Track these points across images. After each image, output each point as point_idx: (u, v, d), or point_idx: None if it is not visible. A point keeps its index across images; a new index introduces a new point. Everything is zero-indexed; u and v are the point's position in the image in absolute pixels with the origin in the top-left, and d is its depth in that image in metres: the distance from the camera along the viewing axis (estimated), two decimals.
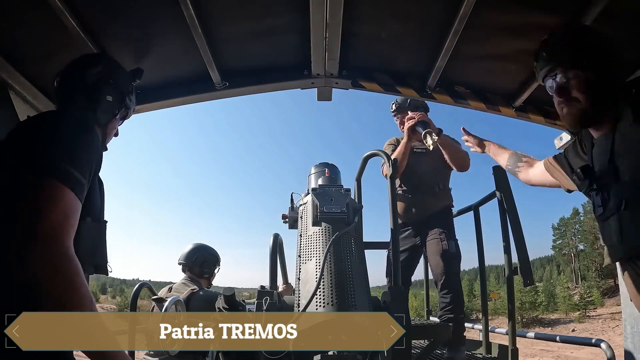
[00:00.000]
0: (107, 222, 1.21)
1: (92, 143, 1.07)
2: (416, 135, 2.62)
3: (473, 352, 2.94)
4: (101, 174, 1.20)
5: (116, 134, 1.47)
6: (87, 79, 1.31)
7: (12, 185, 0.90)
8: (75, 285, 0.84)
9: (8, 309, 0.84)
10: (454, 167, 2.86)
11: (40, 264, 0.81)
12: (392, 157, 2.55)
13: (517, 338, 2.62)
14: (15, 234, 0.83)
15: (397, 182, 2.91)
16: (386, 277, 2.83)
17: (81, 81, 1.30)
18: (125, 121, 1.58)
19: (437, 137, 2.42)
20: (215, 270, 3.03)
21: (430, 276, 3.84)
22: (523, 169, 1.82)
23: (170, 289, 2.84)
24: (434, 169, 2.93)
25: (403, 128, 2.80)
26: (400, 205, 2.83)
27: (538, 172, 1.71)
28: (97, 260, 1.14)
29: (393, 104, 3.12)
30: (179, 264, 2.95)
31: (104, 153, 1.30)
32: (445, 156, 2.78)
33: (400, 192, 2.92)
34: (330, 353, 1.09)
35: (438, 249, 2.66)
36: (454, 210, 3.13)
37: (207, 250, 3.01)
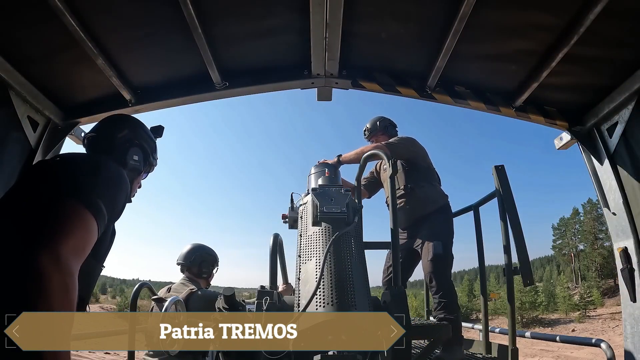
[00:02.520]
0: (104, 267, 1.30)
1: (123, 192, 1.19)
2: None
3: (473, 352, 2.94)
4: None
5: (140, 186, 1.58)
6: (115, 141, 1.43)
7: (46, 205, 0.99)
8: (70, 299, 0.91)
9: (8, 309, 0.89)
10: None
11: (56, 273, 0.88)
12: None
13: (517, 338, 2.62)
14: (40, 242, 0.90)
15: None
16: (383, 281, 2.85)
17: (110, 143, 1.42)
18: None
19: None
20: (214, 270, 3.03)
21: None
22: None
23: (169, 289, 2.84)
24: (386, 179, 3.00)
25: None
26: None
27: None
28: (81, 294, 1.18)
29: (365, 130, 3.29)
30: (178, 264, 2.95)
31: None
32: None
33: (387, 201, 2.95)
34: (330, 353, 1.08)
35: (425, 251, 2.68)
36: (454, 209, 3.12)
37: (206, 250, 3.01)
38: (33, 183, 1.13)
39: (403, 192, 2.87)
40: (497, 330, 3.75)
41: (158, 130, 1.66)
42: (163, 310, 1.43)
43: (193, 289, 2.67)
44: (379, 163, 3.19)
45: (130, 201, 1.47)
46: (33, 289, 0.86)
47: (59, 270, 0.89)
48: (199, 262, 2.91)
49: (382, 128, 3.20)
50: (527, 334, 3.42)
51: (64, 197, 1.01)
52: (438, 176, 3.02)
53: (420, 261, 2.81)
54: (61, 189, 1.05)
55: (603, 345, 2.58)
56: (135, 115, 1.87)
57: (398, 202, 2.85)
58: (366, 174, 3.24)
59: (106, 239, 1.20)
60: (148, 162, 1.54)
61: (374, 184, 3.24)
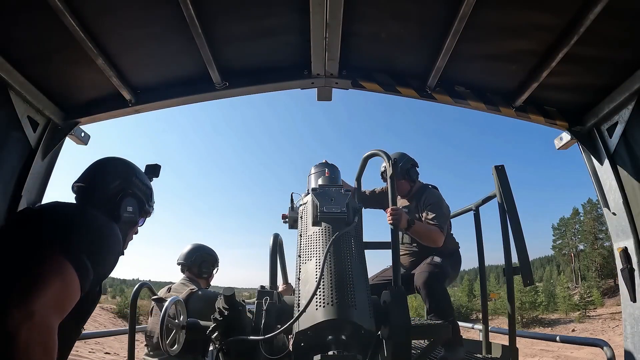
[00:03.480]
0: (83, 329, 1.24)
1: (113, 252, 1.12)
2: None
3: (473, 352, 2.94)
4: None
5: (136, 232, 1.49)
6: (107, 193, 1.32)
7: (23, 256, 0.94)
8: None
9: None
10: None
11: (30, 331, 0.82)
12: None
13: (517, 338, 2.62)
14: (12, 297, 0.84)
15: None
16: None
17: (102, 195, 1.32)
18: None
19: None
20: (214, 270, 3.04)
21: None
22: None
23: (169, 289, 2.84)
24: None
25: None
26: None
27: None
28: (70, 327, 1.13)
29: (383, 172, 2.93)
30: (178, 264, 2.95)
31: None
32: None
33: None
34: (330, 353, 1.08)
35: (422, 262, 2.66)
36: (454, 208, 3.13)
37: (206, 250, 3.01)
38: (14, 231, 1.05)
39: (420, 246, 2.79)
40: (498, 330, 3.75)
41: (154, 171, 1.55)
42: (163, 311, 1.43)
43: (193, 289, 2.67)
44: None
45: (123, 254, 1.38)
46: (6, 350, 0.80)
47: (33, 328, 0.82)
48: (200, 262, 2.92)
49: (404, 172, 2.89)
50: (528, 334, 3.42)
51: (43, 247, 0.95)
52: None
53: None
54: (42, 238, 0.98)
55: (603, 345, 2.58)
56: (135, 115, 1.87)
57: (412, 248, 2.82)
58: (377, 187, 3.10)
59: (89, 299, 1.12)
60: (144, 210, 1.44)
61: (373, 200, 3.04)
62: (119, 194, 1.33)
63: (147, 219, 1.52)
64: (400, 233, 2.68)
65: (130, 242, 1.48)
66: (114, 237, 1.13)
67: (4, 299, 0.84)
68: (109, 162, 1.42)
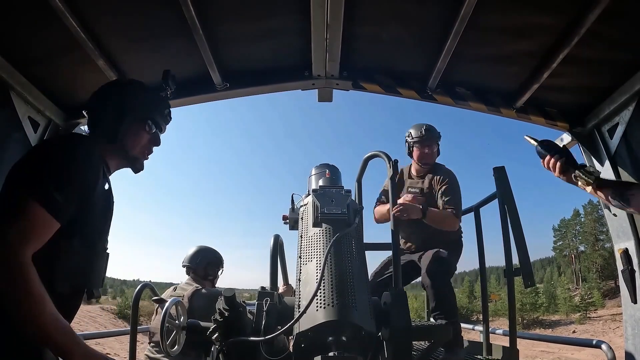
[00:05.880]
0: (108, 253, 1.25)
1: (83, 163, 1.10)
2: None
3: (473, 353, 2.94)
4: None
5: (156, 144, 1.39)
6: (90, 104, 1.31)
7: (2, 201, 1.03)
8: (27, 290, 0.91)
9: None
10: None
11: None
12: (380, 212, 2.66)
13: (517, 339, 2.62)
14: None
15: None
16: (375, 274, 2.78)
17: (104, 121, 1.28)
18: None
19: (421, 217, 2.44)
20: (219, 272, 3.03)
21: None
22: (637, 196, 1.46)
23: (175, 289, 2.86)
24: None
25: (420, 157, 2.77)
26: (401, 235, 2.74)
27: None
28: (82, 286, 1.16)
29: (423, 128, 2.79)
30: (183, 266, 2.95)
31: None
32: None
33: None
34: (331, 354, 1.08)
35: (426, 256, 2.62)
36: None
37: (211, 252, 3.00)
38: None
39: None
40: (498, 331, 3.75)
41: (165, 78, 1.45)
42: (163, 311, 1.43)
43: (198, 287, 2.68)
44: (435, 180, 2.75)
45: (142, 166, 1.36)
46: None
47: (4, 269, 0.90)
48: (205, 264, 2.91)
49: (438, 138, 2.83)
50: (528, 335, 3.41)
51: (11, 192, 1.03)
52: None
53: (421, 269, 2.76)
54: (13, 185, 1.05)
55: (604, 346, 2.57)
56: None
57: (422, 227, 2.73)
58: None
59: (92, 219, 1.14)
60: (130, 111, 1.30)
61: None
62: (98, 102, 1.30)
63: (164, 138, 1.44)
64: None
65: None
66: (81, 156, 1.11)
67: None
68: (101, 91, 1.34)
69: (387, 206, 2.44)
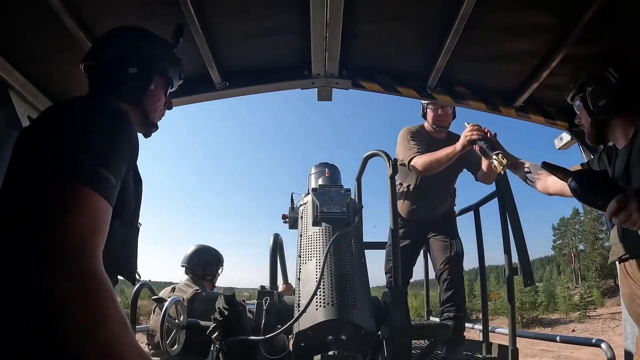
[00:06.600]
0: (140, 225, 1.11)
1: (126, 135, 0.89)
2: (470, 149, 2.22)
3: (473, 352, 2.94)
4: None
5: (169, 107, 1.27)
6: (102, 59, 1.14)
7: (33, 194, 0.72)
8: (104, 310, 0.68)
9: (29, 346, 0.66)
10: (482, 182, 2.58)
11: (62, 286, 0.64)
12: (431, 158, 2.42)
13: (517, 338, 2.62)
14: (33, 252, 0.65)
15: (412, 180, 2.80)
16: (385, 273, 2.79)
17: (98, 62, 1.15)
18: None
19: (508, 160, 1.92)
20: (219, 271, 3.01)
21: (431, 276, 3.82)
22: (542, 178, 1.81)
23: (173, 289, 2.83)
24: (451, 176, 2.81)
25: (435, 119, 2.74)
26: (408, 204, 2.81)
27: (557, 181, 1.65)
28: (123, 269, 1.01)
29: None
30: (182, 266, 2.93)
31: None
32: (491, 174, 2.44)
33: (412, 190, 2.80)
34: (330, 353, 1.08)
35: (445, 246, 2.64)
36: (455, 209, 3.13)
37: (210, 251, 2.97)
38: (13, 166, 0.87)
39: (451, 195, 2.84)
40: (498, 330, 3.75)
41: (176, 34, 1.31)
42: (163, 311, 1.43)
43: (198, 290, 2.67)
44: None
45: (156, 127, 1.26)
46: (41, 313, 0.63)
47: (75, 286, 0.65)
48: (203, 264, 2.89)
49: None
50: (528, 334, 3.42)
51: (49, 178, 0.74)
52: None
53: (432, 256, 2.77)
54: (44, 167, 0.76)
55: (603, 345, 2.58)
56: None
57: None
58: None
59: (128, 194, 0.95)
60: (156, 70, 1.18)
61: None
62: (115, 56, 1.14)
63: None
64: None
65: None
66: (122, 123, 0.91)
67: (27, 257, 0.65)
68: (106, 34, 1.19)
69: (445, 151, 2.35)
